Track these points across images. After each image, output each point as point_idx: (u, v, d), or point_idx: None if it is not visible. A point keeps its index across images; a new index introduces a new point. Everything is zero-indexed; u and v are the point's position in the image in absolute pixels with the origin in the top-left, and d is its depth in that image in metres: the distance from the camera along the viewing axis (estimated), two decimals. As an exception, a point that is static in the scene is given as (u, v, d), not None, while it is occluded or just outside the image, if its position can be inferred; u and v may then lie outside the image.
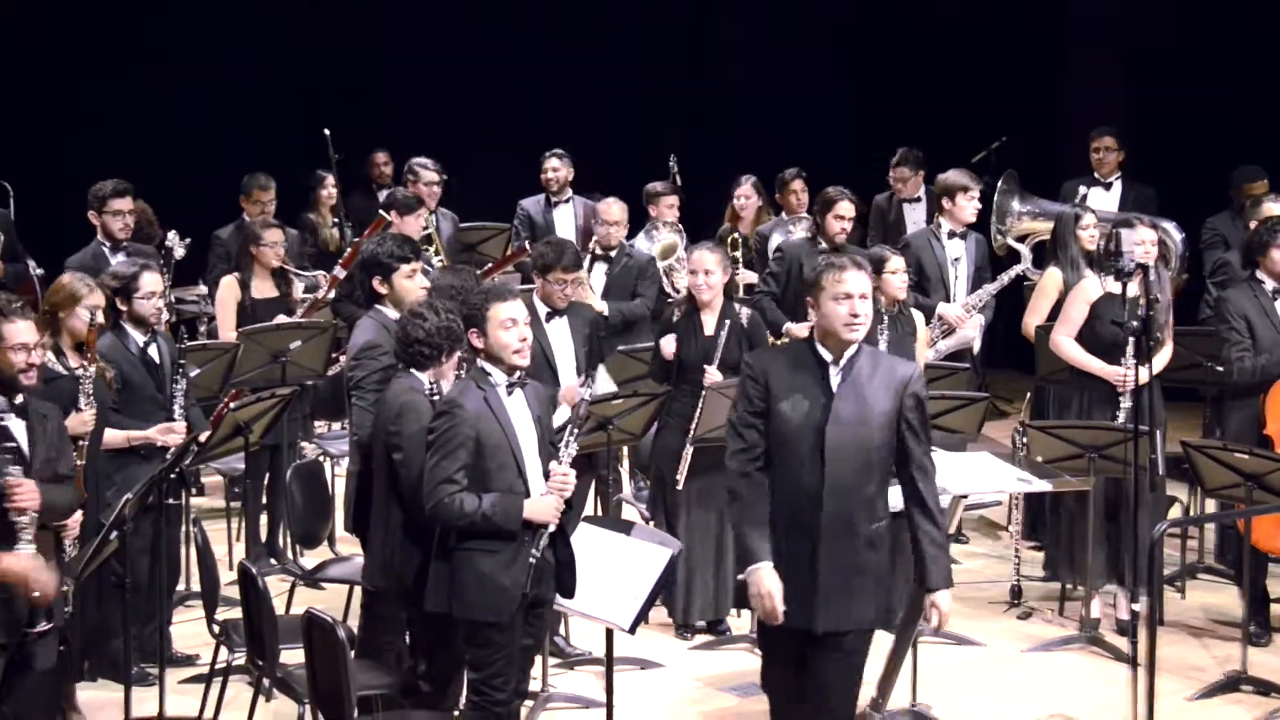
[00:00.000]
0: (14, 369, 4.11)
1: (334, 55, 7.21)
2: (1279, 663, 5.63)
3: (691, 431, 5.71)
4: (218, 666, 4.91)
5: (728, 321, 5.80)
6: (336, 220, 8.42)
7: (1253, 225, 6.42)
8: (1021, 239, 7.77)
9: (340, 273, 6.92)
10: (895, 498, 4.17)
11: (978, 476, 5.27)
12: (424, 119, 7.52)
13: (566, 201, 8.18)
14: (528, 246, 7.23)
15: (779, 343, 6.55)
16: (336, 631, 4.10)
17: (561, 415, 5.21)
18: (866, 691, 4.62)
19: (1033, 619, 6.15)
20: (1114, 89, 8.78)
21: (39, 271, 7.09)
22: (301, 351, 6.55)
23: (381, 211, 7.06)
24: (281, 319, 6.70)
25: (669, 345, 5.90)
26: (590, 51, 8.88)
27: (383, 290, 4.98)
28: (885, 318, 5.94)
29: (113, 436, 5.26)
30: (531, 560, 4.29)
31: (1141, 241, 5.82)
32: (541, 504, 4.31)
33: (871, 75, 7.87)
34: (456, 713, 4.50)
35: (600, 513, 6.12)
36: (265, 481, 6.71)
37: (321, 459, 6.90)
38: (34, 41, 8.29)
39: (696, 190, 7.69)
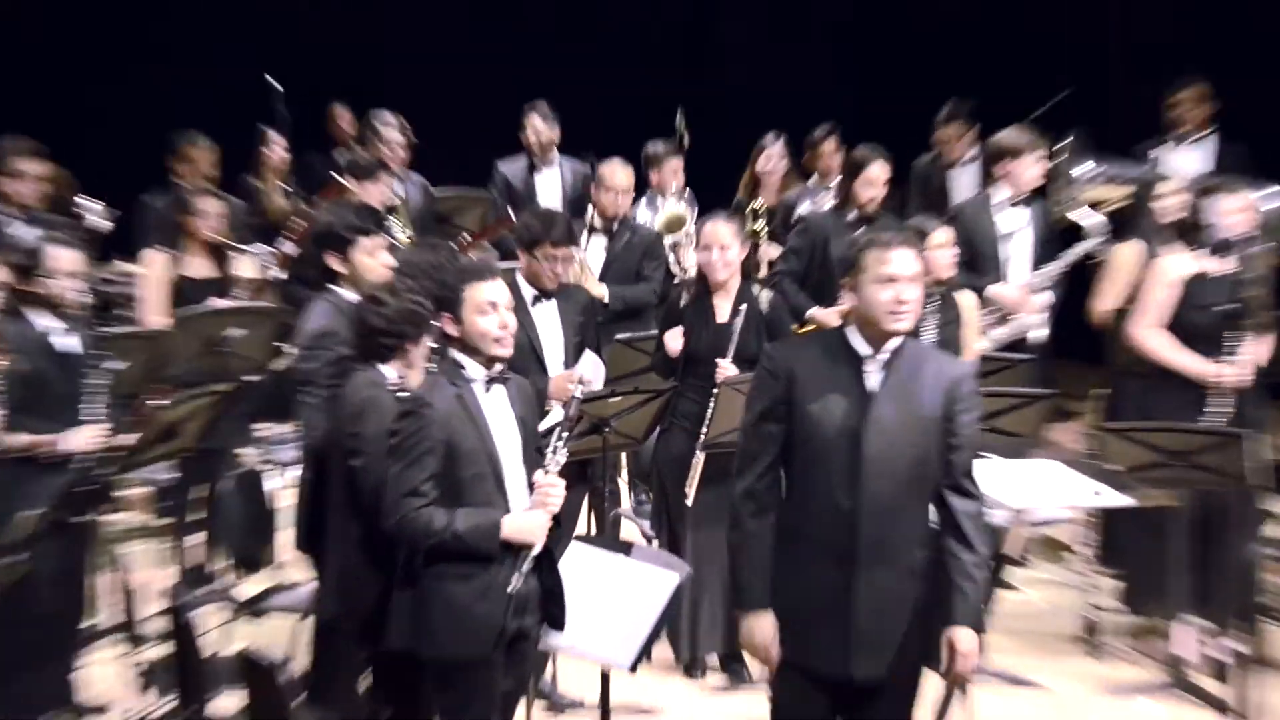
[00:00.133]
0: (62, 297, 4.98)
1: (334, 55, 7.87)
2: (1399, 709, 5.60)
3: (702, 435, 5.69)
4: (139, 717, 4.86)
5: (744, 307, 5.78)
6: (285, 186, 8.39)
7: None
8: (1091, 208, 7.73)
9: (289, 248, 6.91)
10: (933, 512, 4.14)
11: (1041, 489, 5.25)
12: (424, 119, 8.11)
13: (552, 165, 8.14)
14: (512, 216, 7.19)
15: (804, 332, 6.50)
16: (281, 672, 4.06)
17: (551, 416, 5.17)
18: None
19: (1107, 658, 6.15)
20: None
21: None
22: (242, 340, 6.53)
23: (337, 176, 7.03)
24: (219, 302, 6.68)
25: (675, 341, 5.85)
26: (590, 51, 9.59)
27: (339, 268, 4.99)
28: (930, 302, 5.89)
29: (14, 441, 5.24)
30: (512, 588, 4.27)
31: (1236, 209, 5.79)
32: (525, 521, 4.30)
33: (871, 75, 8.11)
34: (424, 768, 4.47)
35: (595, 531, 6.10)
36: (200, 494, 6.67)
37: (265, 467, 6.86)
38: (34, 41, 9.15)
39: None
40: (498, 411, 4.34)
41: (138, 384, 6.27)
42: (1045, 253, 7.13)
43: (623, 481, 7.31)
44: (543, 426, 4.66)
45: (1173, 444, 5.66)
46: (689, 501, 5.74)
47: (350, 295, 4.93)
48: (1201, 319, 5.87)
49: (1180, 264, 6.06)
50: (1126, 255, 6.50)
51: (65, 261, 5.40)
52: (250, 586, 5.88)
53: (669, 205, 7.83)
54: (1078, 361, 8.98)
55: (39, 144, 6.78)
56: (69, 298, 5.42)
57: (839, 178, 7.37)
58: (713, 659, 5.94)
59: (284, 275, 6.96)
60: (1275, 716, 5.49)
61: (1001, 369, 6.42)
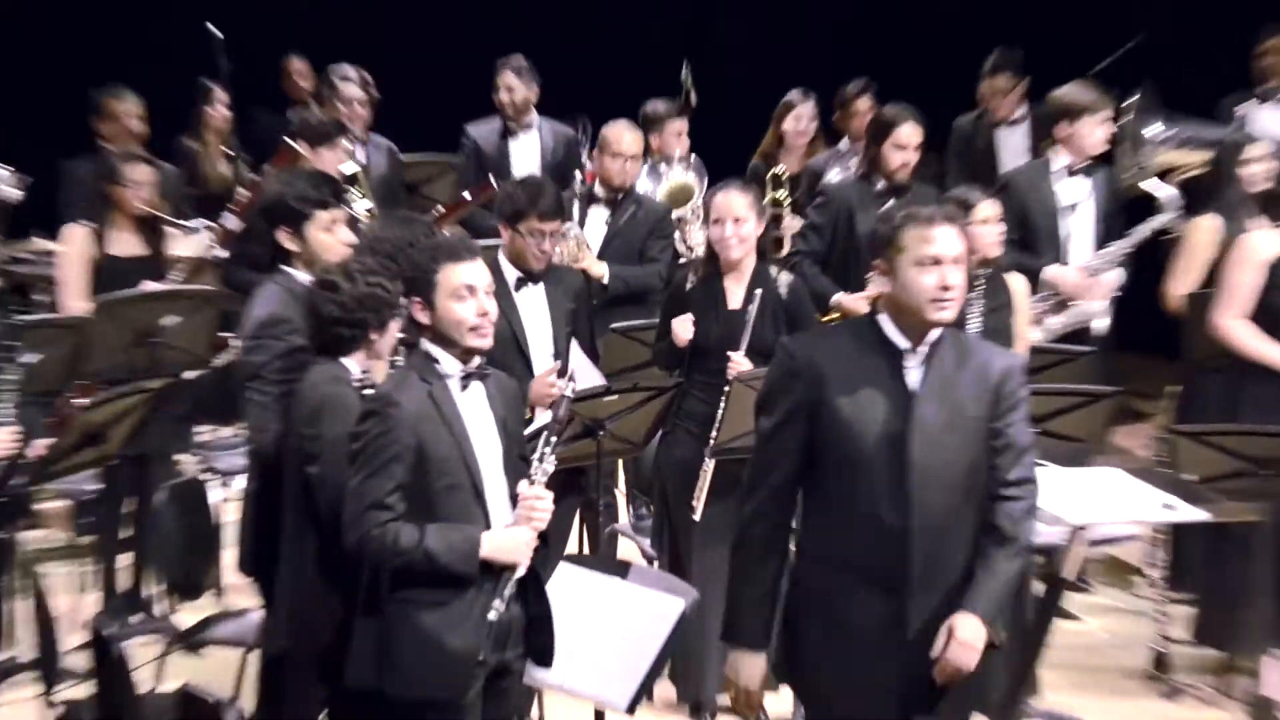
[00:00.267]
0: None
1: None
2: None
3: (712, 440, 5.73)
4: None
5: (758, 292, 5.80)
6: (228, 150, 8.43)
7: None
8: (1162, 176, 7.76)
9: (232, 223, 6.94)
10: None
11: (1105, 502, 5.28)
12: (424, 119, 8.42)
13: (529, 128, 8.18)
14: (494, 184, 7.22)
15: (829, 320, 6.54)
16: (226, 712, 4.09)
17: (537, 418, 5.21)
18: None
19: (1182, 698, 6.20)
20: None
21: None
22: (178, 330, 6.56)
23: (289, 140, 7.06)
24: (151, 286, 6.70)
25: (684, 327, 5.87)
26: (590, 51, 10.22)
27: (292, 246, 5.01)
28: (980, 283, 5.93)
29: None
30: (492, 616, 4.29)
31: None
32: (507, 539, 4.32)
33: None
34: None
35: (588, 550, 6.13)
36: (128, 508, 6.71)
37: (205, 477, 6.89)
38: (34, 41, 9.75)
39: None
40: (475, 412, 4.36)
41: (56, 380, 6.31)
42: (1108, 228, 7.16)
43: (620, 493, 7.36)
44: (528, 430, 4.69)
45: (1258, 450, 5.69)
46: (696, 516, 5.77)
47: (304, 277, 4.93)
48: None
49: (1266, 241, 6.09)
50: (1205, 231, 6.53)
51: None
52: (189, 615, 5.92)
53: (674, 174, 7.86)
54: (1148, 354, 9.05)
55: None
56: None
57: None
58: (723, 698, 5.99)
59: (226, 254, 6.98)
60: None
61: (1058, 363, 6.44)
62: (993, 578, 4.04)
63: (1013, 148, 8.43)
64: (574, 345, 5.82)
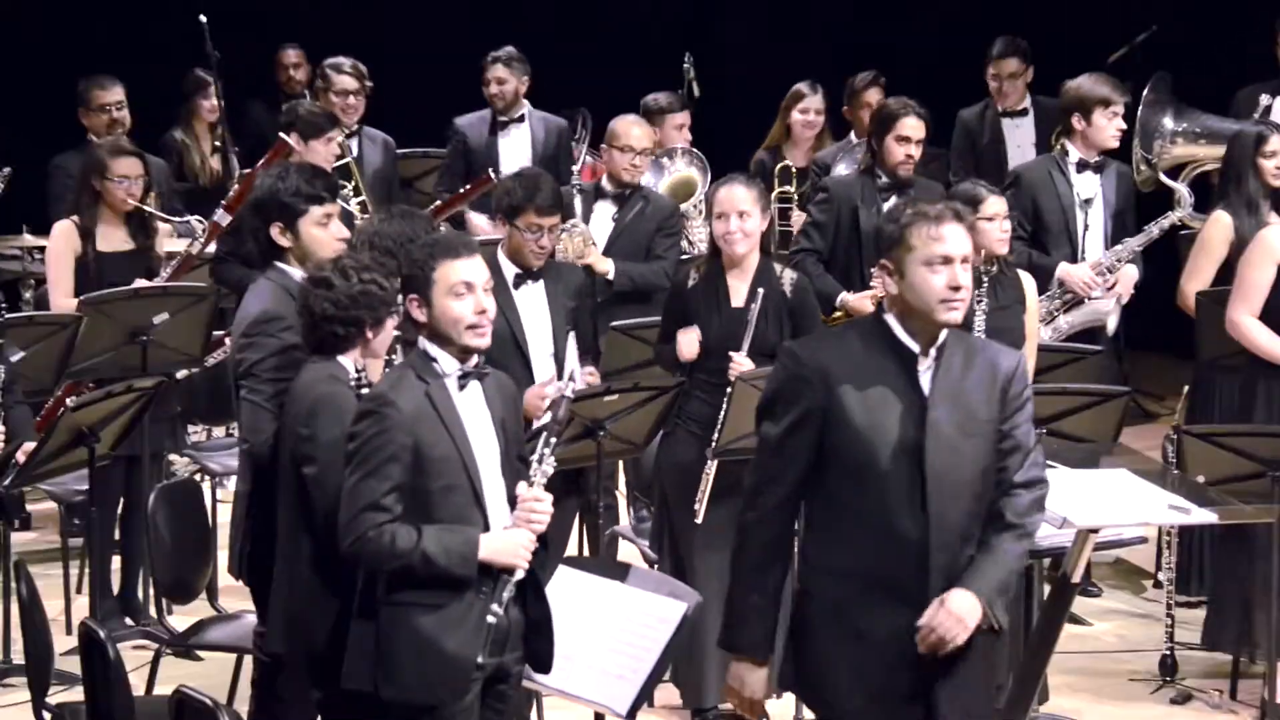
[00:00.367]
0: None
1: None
2: None
3: (714, 441, 5.75)
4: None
5: (760, 291, 5.79)
6: (219, 144, 8.45)
7: None
8: (1177, 171, 7.78)
9: (224, 218, 6.95)
10: None
11: (1114, 504, 5.28)
12: (424, 116, 8.53)
13: (519, 121, 8.21)
14: (491, 178, 7.26)
15: (834, 320, 6.56)
16: (219, 717, 4.14)
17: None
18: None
19: (1193, 703, 6.21)
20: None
21: None
22: (169, 328, 6.59)
23: (283, 135, 7.08)
24: (140, 283, 6.72)
25: (689, 344, 5.82)
26: (590, 51, 10.38)
27: (285, 242, 4.99)
28: (984, 281, 5.96)
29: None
30: (491, 619, 4.31)
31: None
32: (505, 541, 4.34)
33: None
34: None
35: (588, 553, 6.17)
36: (119, 510, 6.75)
37: (198, 478, 6.94)
38: (34, 41, 9.83)
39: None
40: (473, 412, 4.36)
41: (45, 379, 6.36)
42: (1120, 224, 7.18)
43: (620, 495, 7.39)
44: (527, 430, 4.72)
45: (1268, 451, 5.72)
46: (698, 520, 5.77)
47: (298, 273, 4.91)
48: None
49: (1282, 238, 6.13)
50: (1221, 227, 6.53)
51: None
52: (181, 619, 5.96)
53: (677, 168, 7.88)
54: (1159, 354, 9.09)
55: None
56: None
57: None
58: (725, 706, 6.01)
59: (213, 250, 6.99)
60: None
61: (1070, 361, 6.48)
62: (992, 559, 4.03)
63: (1019, 140, 8.43)
64: (571, 344, 5.83)
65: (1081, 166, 7.12)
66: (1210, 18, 9.93)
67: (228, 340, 6.39)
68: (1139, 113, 7.68)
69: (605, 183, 7.13)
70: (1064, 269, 7.03)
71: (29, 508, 7.77)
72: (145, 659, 5.88)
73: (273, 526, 4.68)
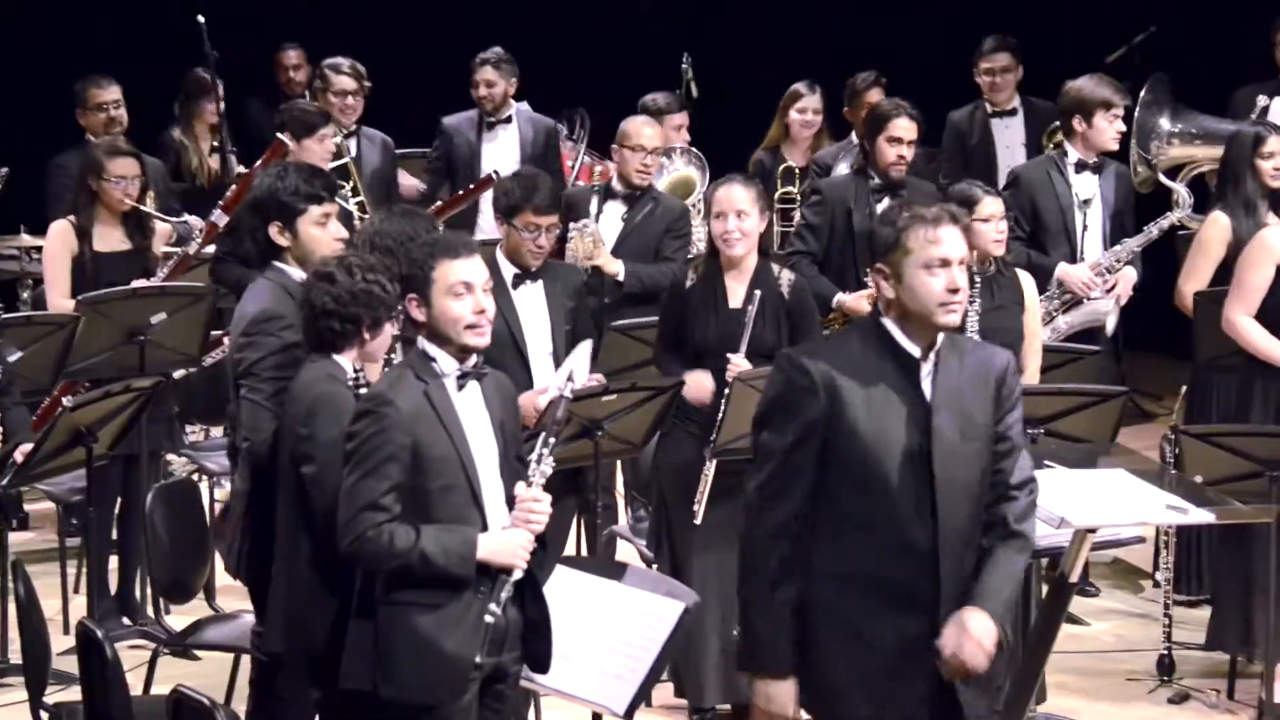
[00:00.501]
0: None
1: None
2: None
3: (713, 441, 5.75)
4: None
5: (757, 293, 5.79)
6: (216, 145, 8.46)
7: None
8: (1175, 172, 7.80)
9: (221, 219, 6.96)
10: None
11: (1111, 503, 5.29)
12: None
13: (506, 121, 8.23)
14: (494, 177, 7.27)
15: (830, 321, 6.58)
16: (217, 717, 4.15)
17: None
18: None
19: (1191, 703, 6.22)
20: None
21: None
22: (167, 328, 6.60)
23: (280, 135, 7.09)
24: (139, 283, 6.72)
25: (700, 389, 5.76)
26: (590, 51, 10.48)
27: (283, 242, 5.00)
28: (978, 282, 5.97)
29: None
30: (489, 619, 4.32)
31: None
32: (503, 541, 4.35)
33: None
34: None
35: (586, 552, 6.18)
36: (116, 510, 6.76)
37: (196, 477, 6.95)
38: (32, 41, 9.92)
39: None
40: (472, 412, 4.38)
41: (43, 379, 6.37)
42: (1119, 225, 7.19)
43: (619, 494, 7.40)
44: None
45: (1266, 451, 5.72)
46: (697, 520, 5.78)
47: (297, 274, 4.92)
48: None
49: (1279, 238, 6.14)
50: (1219, 228, 6.53)
51: None
52: (178, 619, 5.96)
53: (676, 167, 7.89)
54: (1157, 354, 9.10)
55: None
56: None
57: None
58: (724, 706, 5.98)
59: (211, 250, 7.00)
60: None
61: (1068, 361, 6.49)
62: (1000, 575, 4.03)
63: (1008, 140, 8.44)
64: (585, 345, 5.82)
65: (1080, 167, 7.14)
66: (1208, 18, 9.95)
67: (226, 340, 6.41)
68: (1136, 113, 7.69)
69: (615, 183, 7.13)
70: (1063, 269, 7.05)
71: (27, 507, 7.78)
72: (143, 659, 5.89)
73: (271, 526, 4.69)
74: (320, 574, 4.55)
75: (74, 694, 4.98)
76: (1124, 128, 7.21)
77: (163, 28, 9.38)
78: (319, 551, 4.54)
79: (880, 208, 6.55)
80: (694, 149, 8.01)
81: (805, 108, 8.21)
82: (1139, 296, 7.19)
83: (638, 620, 4.41)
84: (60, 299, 6.73)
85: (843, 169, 7.77)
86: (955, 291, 4.00)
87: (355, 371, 4.62)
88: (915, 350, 4.03)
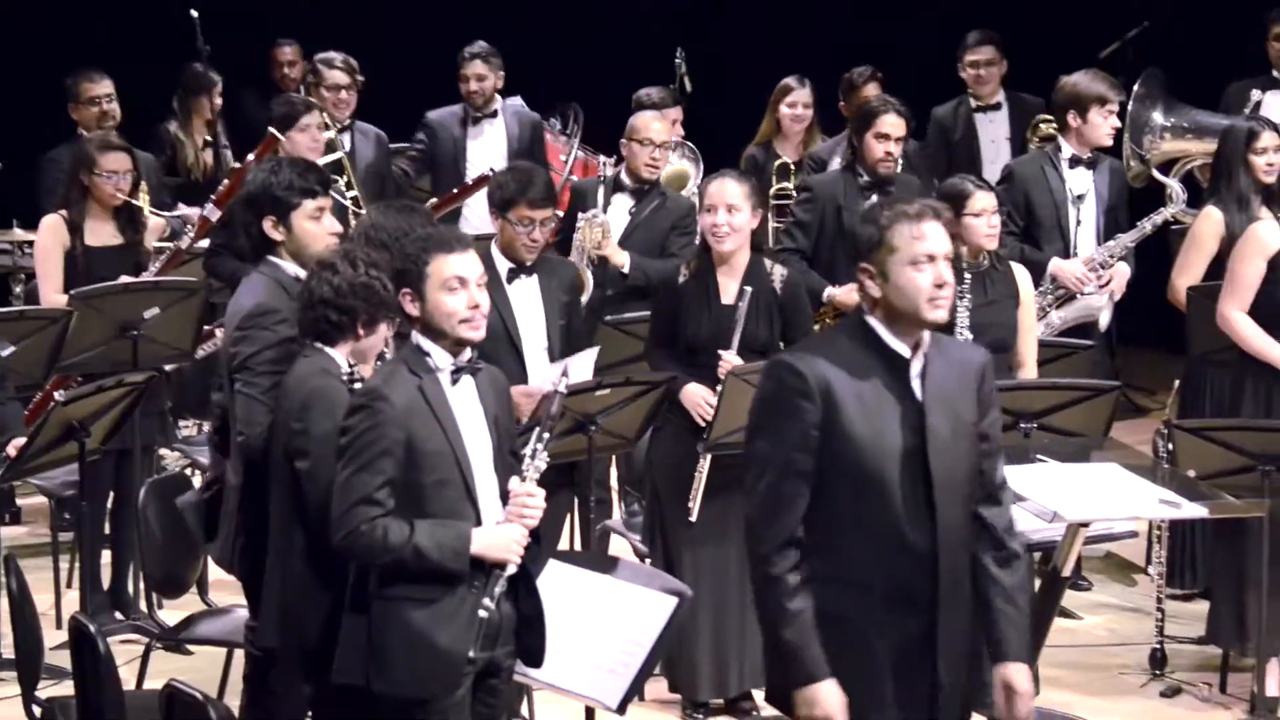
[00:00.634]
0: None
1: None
2: None
3: (705, 436, 5.76)
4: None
5: (748, 289, 5.79)
6: (208, 139, 8.46)
7: None
8: (1168, 166, 7.81)
9: (213, 213, 6.95)
10: None
11: (1104, 498, 5.31)
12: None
13: (493, 116, 8.24)
14: (490, 174, 7.27)
15: (821, 315, 6.58)
16: (210, 712, 4.15)
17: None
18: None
19: (1183, 696, 6.23)
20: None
21: None
22: (160, 323, 6.60)
23: (271, 129, 7.09)
24: (125, 279, 6.70)
25: (695, 404, 5.78)
26: (590, 51, 10.52)
27: (278, 236, 5.00)
28: (968, 277, 5.97)
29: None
30: (482, 614, 4.33)
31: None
32: (497, 536, 4.36)
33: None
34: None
35: (579, 547, 6.18)
36: (109, 504, 6.76)
37: (189, 472, 6.95)
38: (24, 36, 9.96)
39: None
40: (466, 407, 4.38)
41: (36, 374, 6.36)
42: (1113, 221, 7.19)
43: (612, 489, 7.40)
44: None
45: (1260, 445, 5.72)
46: (693, 517, 5.79)
47: (291, 268, 4.93)
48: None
49: (1273, 232, 6.13)
50: (1212, 222, 6.55)
51: None
52: (171, 613, 5.96)
53: (670, 161, 7.87)
54: (1151, 349, 9.12)
55: None
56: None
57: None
58: (717, 700, 6.00)
59: (202, 244, 7.00)
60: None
61: (1062, 356, 6.50)
62: (1017, 611, 4.06)
63: (992, 135, 8.44)
64: (590, 353, 5.83)
65: (1074, 162, 7.14)
66: (1202, 13, 9.96)
67: (218, 332, 6.41)
68: (1130, 107, 7.70)
69: (624, 176, 7.14)
70: (1056, 264, 7.05)
71: (19, 502, 7.79)
72: (135, 653, 5.90)
73: (265, 520, 4.70)
74: (314, 568, 4.56)
75: (66, 689, 4.99)
76: (1119, 123, 7.21)
77: (158, 23, 9.38)
78: (313, 546, 4.54)
79: (865, 205, 6.56)
80: (688, 143, 8.01)
81: (795, 102, 8.20)
82: (1132, 291, 7.19)
83: (631, 614, 4.41)
84: (53, 294, 6.73)
85: (838, 164, 7.77)
86: (942, 286, 3.98)
87: (350, 366, 4.62)
88: (904, 349, 4.01)
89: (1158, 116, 7.82)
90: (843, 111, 8.34)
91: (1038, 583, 5.72)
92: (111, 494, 6.72)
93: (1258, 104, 8.04)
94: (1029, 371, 6.18)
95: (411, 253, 4.41)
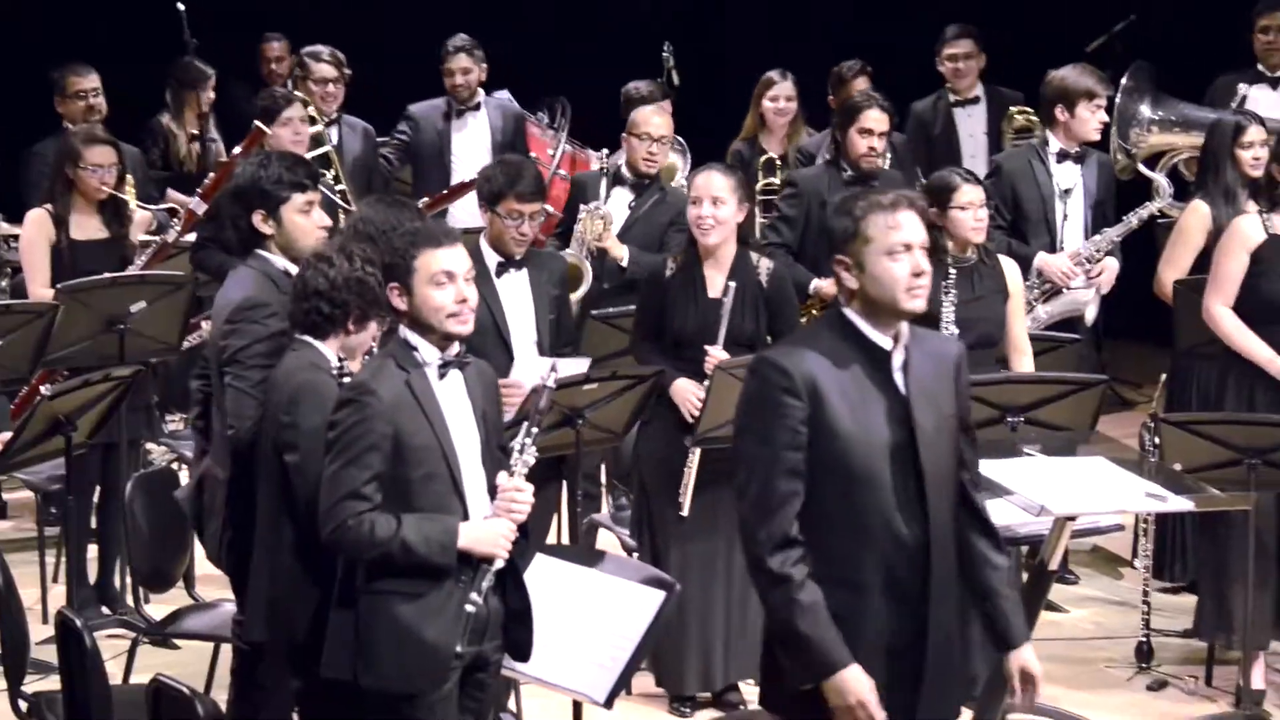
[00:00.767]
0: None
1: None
2: None
3: (695, 430, 5.77)
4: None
5: (732, 284, 5.80)
6: (195, 133, 8.46)
7: None
8: (1154, 160, 7.83)
9: (199, 206, 6.95)
10: None
11: (1090, 491, 5.31)
12: None
13: (476, 108, 8.24)
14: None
15: (807, 308, 6.59)
16: (197, 706, 4.15)
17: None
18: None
19: (1169, 690, 6.25)
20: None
21: None
22: (147, 316, 6.59)
23: (257, 123, 7.08)
24: (107, 275, 6.67)
25: (684, 401, 5.80)
26: (590, 50, 10.52)
27: (267, 230, 5.00)
28: (953, 273, 5.97)
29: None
30: (470, 608, 4.33)
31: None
32: (485, 530, 4.36)
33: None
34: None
35: (567, 541, 6.19)
36: (95, 499, 6.76)
37: (176, 466, 6.95)
38: (10, 29, 9.96)
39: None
40: (454, 401, 4.38)
41: (22, 368, 6.36)
42: (1100, 215, 7.21)
43: (601, 482, 7.41)
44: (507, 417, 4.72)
45: (1247, 439, 5.74)
46: (684, 512, 5.79)
47: (280, 262, 4.94)
48: (1276, 293, 6.00)
49: (1256, 226, 6.14)
50: (1199, 216, 6.56)
51: None
52: (158, 608, 5.96)
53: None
54: (1137, 342, 9.14)
55: None
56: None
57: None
58: (704, 695, 6.01)
59: (189, 238, 6.99)
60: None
61: (1049, 350, 6.51)
62: (1014, 598, 4.10)
63: (971, 129, 8.45)
64: (582, 362, 5.82)
65: (1062, 157, 7.15)
66: (1189, 7, 9.98)
67: (204, 324, 6.40)
68: (1117, 100, 7.71)
69: (624, 170, 7.14)
70: (1042, 259, 7.07)
71: (5, 496, 7.78)
72: (122, 648, 5.90)
73: (253, 514, 4.70)
74: (302, 562, 4.56)
75: (53, 683, 4.99)
76: (1107, 118, 7.23)
77: (147, 17, 9.37)
78: (301, 540, 4.54)
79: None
80: (677, 136, 8.01)
81: (778, 95, 8.20)
82: (1119, 285, 7.21)
83: (619, 609, 4.41)
84: (39, 287, 6.72)
85: (826, 158, 7.79)
86: (920, 275, 3.97)
87: (339, 360, 4.62)
88: (885, 342, 4.00)
89: (1145, 110, 7.83)
90: (831, 105, 8.35)
91: (1024, 576, 5.74)
92: (98, 488, 6.72)
93: (1244, 98, 8.05)
94: (1028, 359, 6.19)
95: (399, 247, 4.41)
